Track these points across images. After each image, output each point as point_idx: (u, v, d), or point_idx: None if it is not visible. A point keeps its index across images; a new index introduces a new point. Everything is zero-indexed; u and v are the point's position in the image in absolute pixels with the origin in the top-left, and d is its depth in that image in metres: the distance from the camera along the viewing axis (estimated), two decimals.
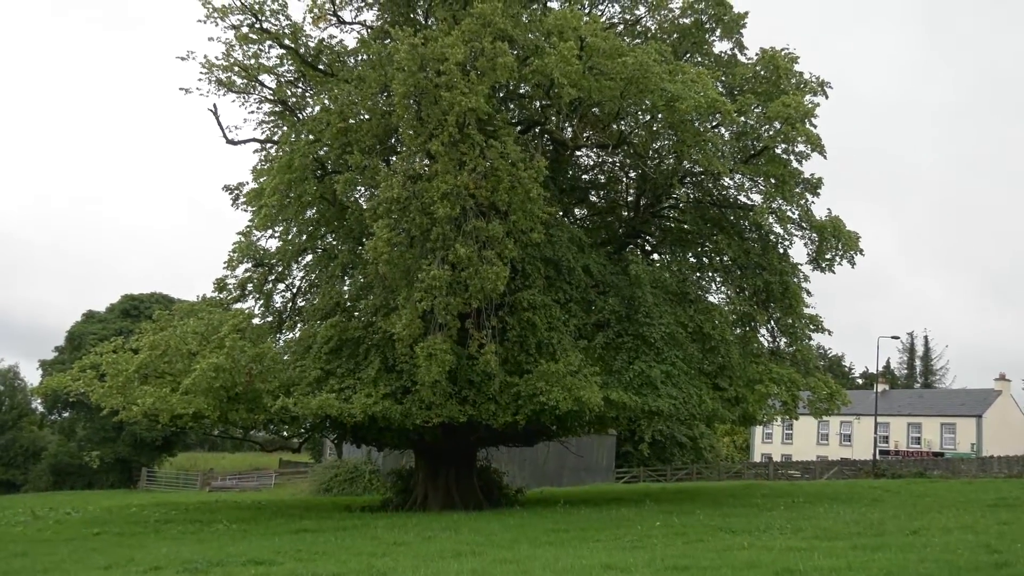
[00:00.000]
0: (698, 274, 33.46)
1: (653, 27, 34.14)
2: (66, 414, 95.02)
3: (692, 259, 34.10)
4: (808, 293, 31.82)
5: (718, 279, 33.41)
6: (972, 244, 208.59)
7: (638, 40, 32.25)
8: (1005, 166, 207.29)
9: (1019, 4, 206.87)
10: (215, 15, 27.99)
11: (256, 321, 29.72)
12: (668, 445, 76.90)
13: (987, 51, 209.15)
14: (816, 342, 32.92)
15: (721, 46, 33.92)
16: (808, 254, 31.28)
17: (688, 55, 33.42)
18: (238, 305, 30.34)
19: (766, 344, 32.54)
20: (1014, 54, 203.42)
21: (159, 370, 26.44)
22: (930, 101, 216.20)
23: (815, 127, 29.78)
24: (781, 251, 31.72)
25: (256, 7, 28.31)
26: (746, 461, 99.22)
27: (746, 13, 32.91)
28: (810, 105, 30.03)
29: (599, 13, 33.36)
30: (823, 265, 30.85)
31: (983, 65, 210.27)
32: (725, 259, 31.95)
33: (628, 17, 34.22)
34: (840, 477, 71.02)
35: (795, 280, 31.26)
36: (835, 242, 30.34)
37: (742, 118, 29.68)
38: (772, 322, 32.17)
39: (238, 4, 28.06)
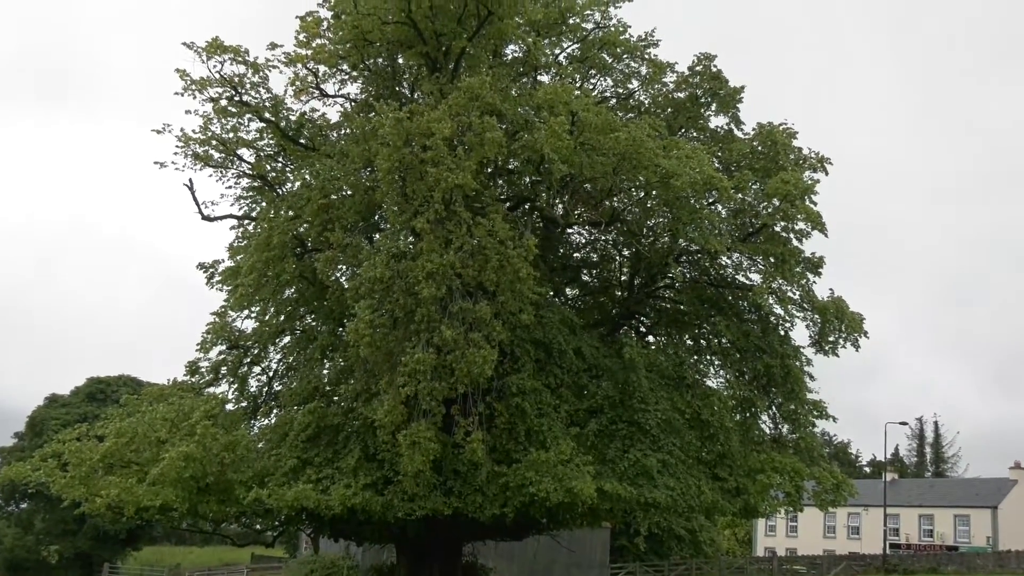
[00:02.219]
0: (695, 357, 33.46)
1: (647, 101, 34.70)
2: (24, 505, 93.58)
3: (689, 341, 34.15)
4: (811, 377, 31.80)
5: (716, 362, 33.40)
6: (975, 324, 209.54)
7: (631, 114, 32.73)
8: (1004, 243, 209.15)
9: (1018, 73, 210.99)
10: (193, 87, 28.39)
11: (229, 407, 29.55)
12: (665, 539, 75.87)
13: (985, 123, 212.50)
14: (820, 429, 32.84)
15: (717, 121, 34.45)
16: (810, 336, 31.37)
17: (683, 130, 33.91)
18: (211, 390, 30.15)
19: (768, 431, 32.39)
20: (1013, 125, 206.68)
21: (125, 459, 26.16)
22: (926, 175, 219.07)
23: (815, 204, 30.14)
24: (782, 333, 31.76)
25: (236, 80, 28.74)
26: (749, 556, 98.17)
27: (742, 87, 33.53)
28: (810, 182, 30.43)
29: (591, 87, 33.94)
30: (826, 348, 30.93)
31: (981, 139, 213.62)
32: (723, 341, 31.94)
33: (621, 91, 34.78)
34: (849, 573, 70.19)
35: (797, 364, 31.24)
36: (838, 324, 30.45)
37: (739, 195, 30.02)
38: (774, 408, 32.10)
39: (217, 76, 28.49)
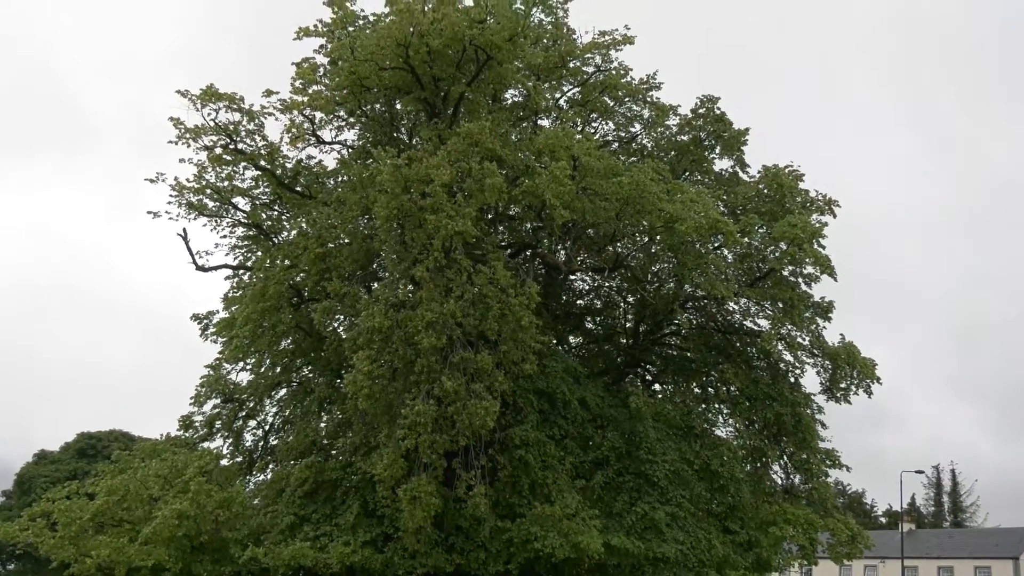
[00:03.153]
0: (703, 406, 33.38)
1: (649, 145, 34.96)
2: (11, 567, 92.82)
3: (697, 390, 34.09)
4: (823, 425, 31.73)
5: (725, 411, 33.28)
6: (985, 366, 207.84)
7: (634, 158, 32.94)
8: (1010, 280, 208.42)
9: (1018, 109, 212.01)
10: (187, 136, 28.56)
11: (224, 462, 29.46)
12: None
13: (986, 158, 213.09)
14: (834, 478, 32.67)
15: (721, 164, 34.71)
16: (821, 383, 31.36)
17: (687, 173, 34.12)
18: (205, 444, 30.09)
19: (779, 482, 32.26)
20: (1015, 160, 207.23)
21: (117, 517, 26.06)
22: (929, 214, 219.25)
23: (823, 248, 30.22)
24: (792, 380, 31.76)
25: (231, 127, 28.93)
26: None
27: (747, 129, 33.81)
28: (818, 224, 30.54)
29: (592, 131, 34.19)
30: (838, 395, 30.88)
31: (980, 174, 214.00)
32: (732, 389, 31.89)
33: (623, 135, 35.05)
34: None
35: (808, 411, 31.18)
36: (850, 370, 30.43)
37: (746, 239, 30.10)
38: (785, 458, 31.97)
39: (212, 124, 28.67)
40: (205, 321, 31.27)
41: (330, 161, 31.46)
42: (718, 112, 33.68)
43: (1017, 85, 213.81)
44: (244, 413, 31.06)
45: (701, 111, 33.89)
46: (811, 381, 31.80)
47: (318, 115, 29.59)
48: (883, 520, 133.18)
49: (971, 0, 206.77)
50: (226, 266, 31.43)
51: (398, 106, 30.59)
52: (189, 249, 30.25)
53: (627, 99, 34.38)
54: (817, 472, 31.48)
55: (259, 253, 30.57)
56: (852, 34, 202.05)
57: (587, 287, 35.76)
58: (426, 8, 26.91)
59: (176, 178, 29.27)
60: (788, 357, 31.51)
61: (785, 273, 30.73)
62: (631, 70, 33.82)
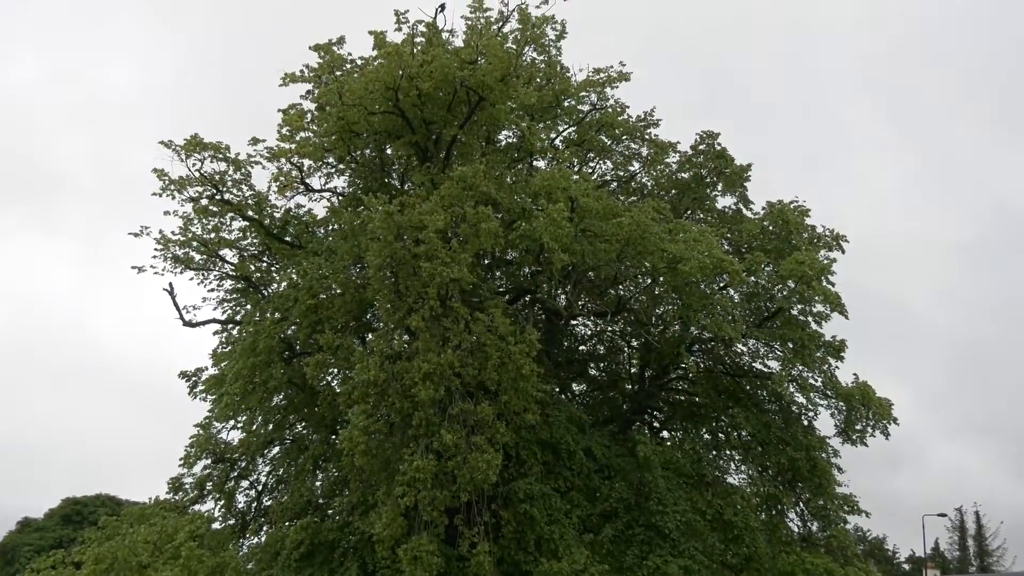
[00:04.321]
0: (714, 453, 33.21)
1: (649, 183, 35.14)
2: None
3: (706, 436, 33.90)
4: (839, 469, 31.49)
5: (737, 458, 33.10)
6: (1003, 404, 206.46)
7: (634, 198, 33.10)
8: (1020, 309, 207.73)
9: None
10: (172, 187, 28.69)
11: (216, 525, 29.24)
12: None
13: (995, 188, 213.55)
14: (853, 524, 32.43)
15: (724, 201, 34.83)
16: (836, 425, 31.13)
17: (689, 212, 34.24)
18: (196, 507, 29.85)
19: (796, 530, 31.98)
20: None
21: None
22: (937, 245, 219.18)
23: (833, 285, 30.21)
24: (805, 423, 31.58)
25: (217, 178, 29.10)
26: None
27: (749, 165, 33.98)
28: (826, 261, 30.57)
29: (590, 171, 34.38)
30: (853, 438, 30.68)
31: (990, 205, 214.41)
32: (743, 434, 31.71)
33: (622, 174, 35.25)
34: None
35: (823, 455, 30.96)
36: (865, 411, 30.26)
37: (752, 278, 30.14)
38: (801, 504, 31.71)
39: (197, 175, 28.83)
40: (194, 378, 31.20)
41: (320, 209, 31.65)
42: (719, 148, 33.88)
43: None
44: (236, 473, 30.88)
45: (701, 147, 34.11)
46: (825, 424, 31.63)
47: (306, 162, 29.81)
48: (906, 567, 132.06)
49: (971, 28, 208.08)
50: (214, 320, 31.46)
51: (389, 151, 30.79)
52: (176, 304, 30.35)
53: (625, 137, 34.65)
54: (835, 519, 31.19)
55: (248, 306, 30.62)
56: (846, 64, 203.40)
57: (589, 332, 35.77)
58: (415, 50, 27.19)
59: (161, 231, 29.40)
60: (800, 399, 31.39)
61: (794, 312, 30.71)
62: (628, 107, 34.18)
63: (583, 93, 33.80)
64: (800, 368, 30.45)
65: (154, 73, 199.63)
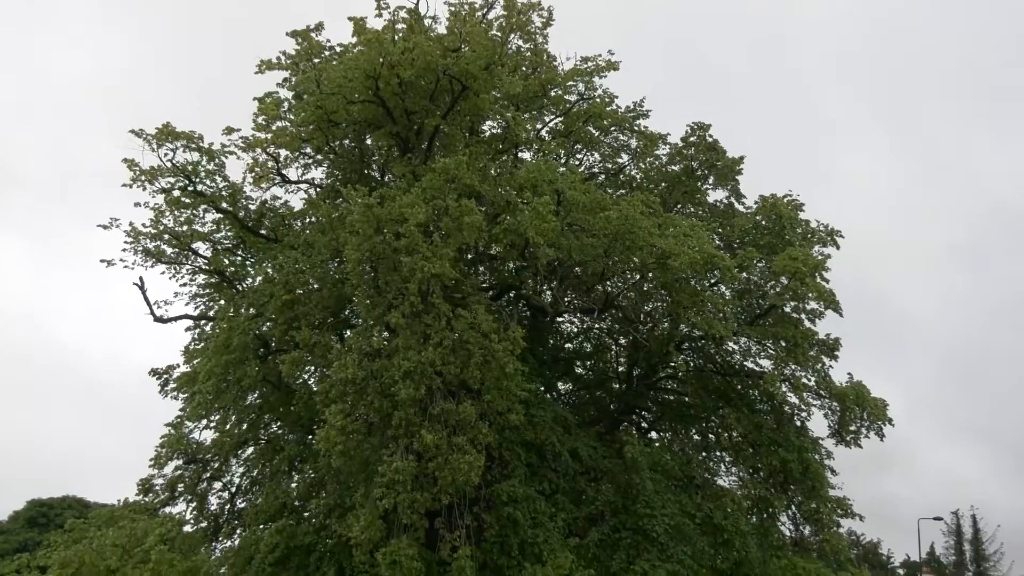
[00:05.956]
0: (704, 454, 33.31)
1: (638, 176, 35.18)
2: None
3: (696, 437, 34.03)
4: (832, 472, 31.62)
5: (727, 459, 33.22)
6: (996, 405, 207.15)
7: (622, 191, 33.15)
8: (1019, 312, 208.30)
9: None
10: (143, 178, 28.57)
11: (188, 528, 29.16)
12: None
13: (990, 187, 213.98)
14: (846, 528, 32.56)
15: (716, 194, 34.92)
16: (829, 426, 31.29)
17: (679, 206, 34.29)
18: (166, 510, 29.75)
19: (788, 534, 32.08)
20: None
21: None
22: (930, 244, 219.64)
23: (827, 281, 30.31)
24: (798, 424, 31.71)
25: (189, 168, 29.03)
26: None
27: (742, 158, 34.05)
28: (820, 257, 30.68)
29: (577, 163, 34.42)
30: (847, 439, 30.81)
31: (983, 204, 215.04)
32: (734, 435, 31.84)
33: (610, 166, 35.27)
34: None
35: (816, 457, 31.09)
36: (859, 411, 30.38)
37: (744, 274, 30.22)
38: (793, 508, 31.82)
39: (169, 166, 28.73)
40: (165, 376, 31.07)
41: (297, 202, 31.62)
42: (710, 140, 33.93)
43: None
44: (208, 474, 30.75)
45: (692, 139, 34.14)
46: (818, 424, 31.78)
47: (283, 153, 29.74)
48: (901, 572, 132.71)
49: (959, 23, 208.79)
50: (186, 316, 31.34)
51: (368, 141, 30.75)
52: (147, 299, 30.20)
53: (613, 128, 34.66)
54: (828, 522, 31.30)
55: (222, 302, 30.51)
56: (832, 60, 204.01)
57: (576, 330, 35.82)
58: (396, 37, 27.16)
59: (131, 223, 29.27)
60: (793, 399, 31.47)
61: (787, 309, 30.81)
62: (616, 97, 34.15)
63: (570, 82, 33.78)
64: (793, 367, 30.53)
65: (104, 61, 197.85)
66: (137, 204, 29.25)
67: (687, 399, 33.35)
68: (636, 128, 34.67)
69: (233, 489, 31.48)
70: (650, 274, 28.96)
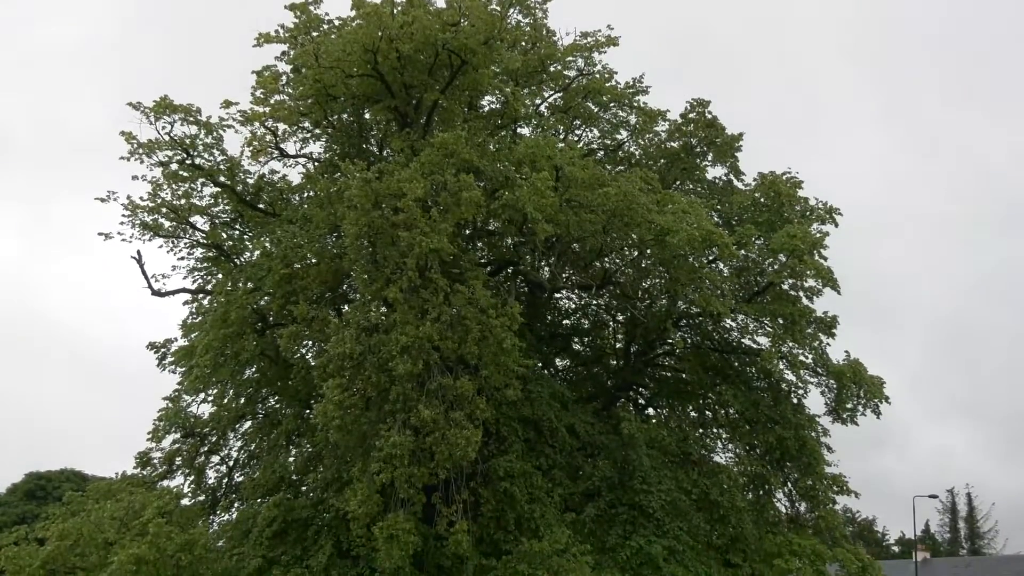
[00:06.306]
0: (701, 431, 33.40)
1: (637, 152, 35.12)
2: None
3: (693, 413, 34.11)
4: (829, 449, 31.73)
5: (724, 436, 33.33)
6: (990, 383, 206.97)
7: (621, 167, 33.07)
8: (1012, 286, 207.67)
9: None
10: (140, 151, 28.50)
11: (185, 502, 29.20)
12: None
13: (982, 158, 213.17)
14: (842, 505, 32.66)
15: (715, 171, 34.88)
16: (826, 404, 31.38)
17: (678, 182, 34.26)
18: (164, 483, 29.82)
19: (784, 510, 32.22)
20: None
21: (69, 564, 25.76)
22: (923, 220, 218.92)
23: (825, 259, 30.33)
24: (795, 401, 31.79)
25: (187, 141, 28.95)
26: None
27: (741, 135, 33.98)
28: (818, 235, 30.69)
29: (576, 139, 34.33)
30: (844, 416, 30.89)
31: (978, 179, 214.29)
32: (731, 412, 31.94)
33: (609, 142, 35.19)
34: None
35: (813, 435, 31.20)
36: (856, 389, 30.46)
37: (742, 251, 30.19)
38: (789, 484, 31.95)
39: (167, 139, 28.66)
40: (163, 350, 31.08)
41: (295, 176, 31.51)
42: (710, 116, 33.84)
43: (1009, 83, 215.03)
44: (206, 448, 30.85)
45: (691, 116, 34.05)
46: (815, 402, 31.84)
47: (281, 127, 29.68)
48: (896, 549, 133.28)
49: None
50: (184, 290, 31.31)
51: (367, 116, 30.64)
52: (144, 273, 30.16)
53: (612, 104, 34.56)
54: (824, 499, 31.45)
55: (220, 276, 30.47)
56: (827, 31, 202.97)
57: (573, 306, 35.85)
58: (395, 11, 27.01)
59: (128, 196, 29.21)
60: (790, 376, 31.60)
61: (785, 287, 30.82)
62: (616, 73, 34.06)
63: (569, 58, 33.70)
64: (790, 344, 30.59)
65: (97, 26, 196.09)
66: (135, 177, 29.16)
67: (684, 376, 33.41)
68: (635, 104, 34.57)
69: (231, 463, 31.60)
70: (648, 251, 28.95)
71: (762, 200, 32.31)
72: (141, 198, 29.08)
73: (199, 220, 30.34)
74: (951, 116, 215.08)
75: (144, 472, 30.07)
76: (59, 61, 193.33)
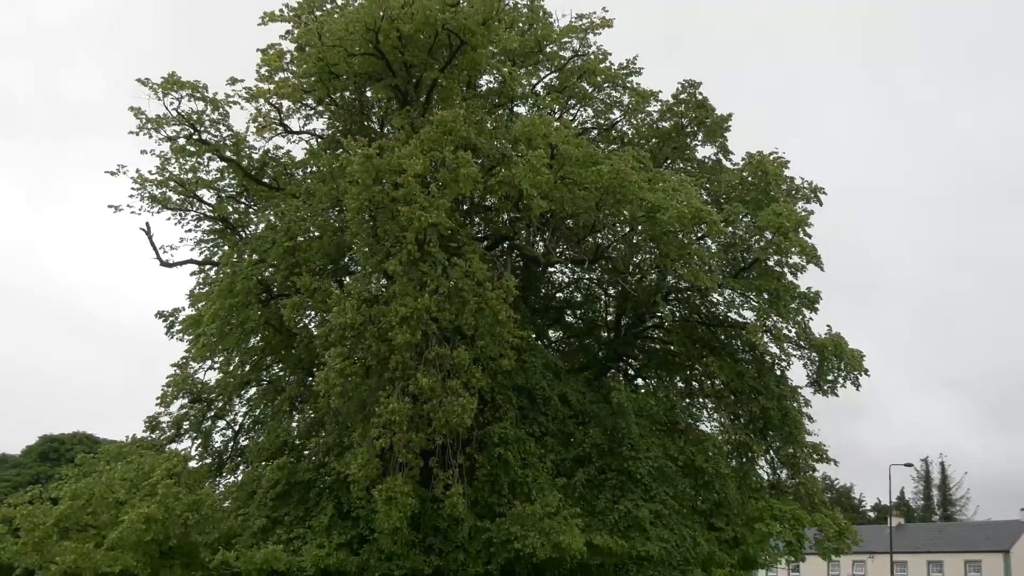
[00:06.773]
0: (688, 401, 33.56)
1: (630, 132, 35.01)
2: None
3: (680, 384, 34.23)
4: (810, 419, 31.91)
5: (710, 406, 33.50)
6: (967, 355, 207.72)
7: (614, 146, 33.01)
8: (988, 261, 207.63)
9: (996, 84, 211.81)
10: (149, 126, 28.42)
11: (193, 464, 29.38)
12: None
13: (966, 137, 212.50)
14: (821, 473, 32.93)
15: (704, 151, 34.78)
16: (808, 376, 31.52)
17: (669, 161, 34.19)
18: (172, 446, 29.98)
19: (766, 477, 32.45)
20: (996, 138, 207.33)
21: (82, 522, 25.89)
22: (904, 196, 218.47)
23: (810, 237, 30.36)
24: (778, 373, 31.90)
25: (194, 117, 28.86)
26: None
27: (730, 115, 33.87)
28: (803, 213, 30.71)
29: (571, 118, 34.20)
30: (825, 388, 31.03)
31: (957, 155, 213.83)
32: (717, 383, 32.04)
33: (602, 122, 35.10)
34: None
35: (795, 405, 31.36)
36: (837, 362, 30.57)
37: (730, 228, 30.25)
38: (771, 452, 32.18)
39: (174, 114, 28.58)
40: (171, 319, 31.08)
41: (298, 151, 31.48)
42: (700, 97, 33.74)
43: (995, 62, 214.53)
44: (212, 413, 30.98)
45: (683, 96, 33.94)
46: (797, 374, 31.96)
47: (285, 104, 29.67)
48: (871, 515, 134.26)
49: None
50: (191, 261, 31.31)
51: (368, 94, 30.56)
52: (153, 244, 30.15)
53: (606, 85, 34.47)
54: (804, 467, 31.71)
55: (226, 247, 30.45)
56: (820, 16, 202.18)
57: (567, 279, 35.87)
58: None
59: (138, 170, 29.17)
60: (774, 349, 31.67)
61: (770, 263, 30.90)
62: (610, 54, 33.95)
63: (565, 39, 33.60)
64: (774, 319, 30.63)
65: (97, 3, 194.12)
66: (143, 151, 29.12)
67: (672, 348, 33.52)
68: (628, 85, 34.47)
69: (236, 427, 31.75)
70: (639, 227, 28.91)
71: (749, 179, 32.29)
72: (150, 172, 29.09)
73: (206, 194, 30.33)
74: (939, 97, 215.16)
75: (153, 435, 30.19)
76: (61, 34, 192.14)
